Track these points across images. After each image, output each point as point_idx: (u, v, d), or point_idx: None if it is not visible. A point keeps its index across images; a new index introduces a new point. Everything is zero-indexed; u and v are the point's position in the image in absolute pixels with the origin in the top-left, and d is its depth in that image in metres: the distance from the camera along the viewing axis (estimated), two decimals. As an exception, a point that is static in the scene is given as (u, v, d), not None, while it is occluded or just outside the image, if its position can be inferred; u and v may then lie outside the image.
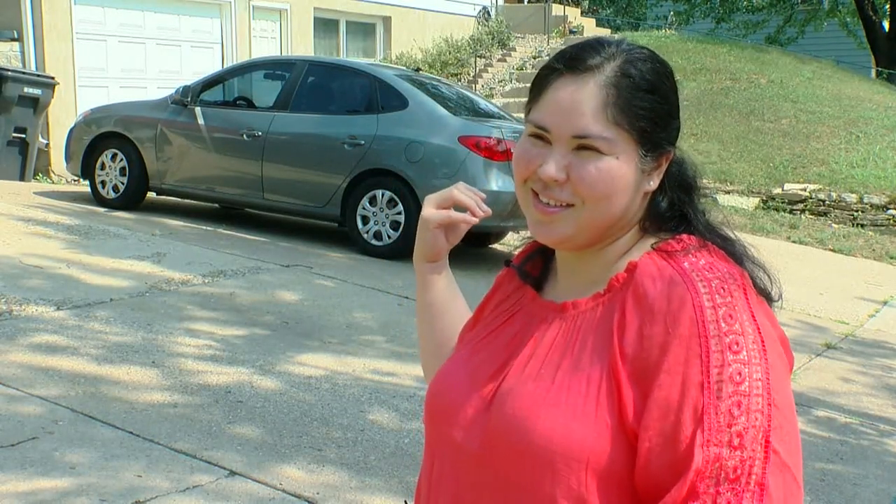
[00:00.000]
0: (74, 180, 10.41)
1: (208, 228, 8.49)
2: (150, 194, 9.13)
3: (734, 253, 1.17)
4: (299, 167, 8.26)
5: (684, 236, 1.17)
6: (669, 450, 1.04)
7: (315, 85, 8.62)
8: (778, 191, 12.80)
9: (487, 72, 16.58)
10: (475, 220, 1.33)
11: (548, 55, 13.06)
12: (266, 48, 13.47)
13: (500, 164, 7.48)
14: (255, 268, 7.04)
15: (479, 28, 17.29)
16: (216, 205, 9.33)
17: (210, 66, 12.05)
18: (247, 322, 5.74)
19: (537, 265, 1.31)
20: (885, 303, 8.35)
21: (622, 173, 1.14)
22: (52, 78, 10.36)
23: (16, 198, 8.88)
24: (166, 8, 12.27)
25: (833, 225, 12.03)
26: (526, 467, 1.11)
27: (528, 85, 1.22)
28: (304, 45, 13.98)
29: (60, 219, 8.07)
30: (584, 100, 1.13)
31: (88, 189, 9.26)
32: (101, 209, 8.86)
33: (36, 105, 10.15)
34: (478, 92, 14.14)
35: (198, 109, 8.71)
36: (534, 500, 1.11)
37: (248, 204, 8.84)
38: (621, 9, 29.94)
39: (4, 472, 3.55)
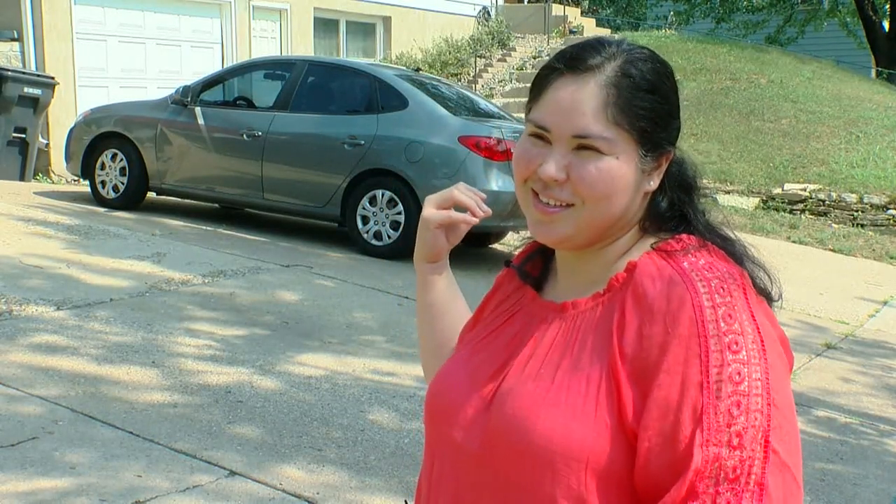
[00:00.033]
0: (74, 180, 10.41)
1: (208, 228, 8.49)
2: (150, 194, 9.13)
3: (734, 253, 1.17)
4: (299, 167, 8.27)
5: (684, 236, 1.17)
6: (669, 449, 1.04)
7: (315, 85, 8.62)
8: (778, 191, 12.80)
9: (487, 72, 16.58)
10: (475, 221, 1.33)
11: (548, 55, 13.07)
12: (266, 48, 13.47)
13: (500, 164, 7.48)
14: (255, 268, 7.04)
15: (479, 28, 17.30)
16: (216, 205, 9.33)
17: (210, 66, 12.05)
18: (247, 322, 5.74)
19: (537, 265, 1.32)
20: (885, 303, 8.35)
21: (622, 173, 1.14)
22: (52, 78, 10.36)
23: (16, 198, 8.88)
24: (166, 8, 12.27)
25: (833, 225, 12.03)
26: (526, 467, 1.11)
27: (528, 85, 1.22)
28: (304, 45, 13.99)
29: (60, 219, 8.07)
30: (585, 99, 1.13)
31: (88, 189, 9.26)
32: (101, 209, 8.86)
33: (36, 105, 10.15)
34: (478, 92, 14.14)
35: (198, 109, 8.71)
36: (534, 499, 1.11)
37: (248, 204, 8.84)
38: (621, 9, 29.94)
39: (4, 472, 3.55)
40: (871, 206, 12.39)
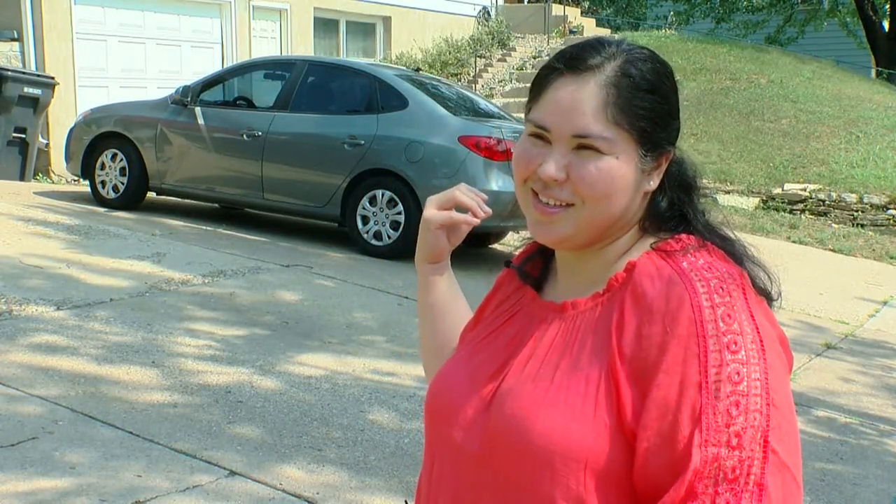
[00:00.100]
0: (74, 180, 10.41)
1: (208, 228, 8.49)
2: (150, 194, 9.13)
3: (733, 253, 1.17)
4: (299, 167, 8.27)
5: (683, 236, 1.17)
6: (667, 450, 1.04)
7: (315, 85, 8.62)
8: (778, 191, 12.80)
9: (487, 72, 16.58)
10: (476, 222, 1.33)
11: (548, 55, 13.06)
12: (266, 48, 13.47)
13: (500, 164, 7.48)
14: (255, 268, 7.04)
15: (479, 28, 17.30)
16: (216, 205, 9.33)
17: (210, 66, 12.05)
18: (247, 322, 5.74)
19: (537, 266, 1.32)
20: (885, 303, 8.35)
21: (622, 173, 1.14)
22: (52, 78, 10.36)
23: (16, 198, 8.88)
24: (166, 8, 12.27)
25: (833, 225, 12.03)
26: (525, 467, 1.11)
27: (528, 85, 1.22)
28: (304, 45, 13.99)
29: (60, 219, 8.07)
30: (585, 99, 1.13)
31: (88, 189, 9.26)
32: (101, 209, 8.86)
33: (36, 105, 10.15)
34: (478, 92, 14.14)
35: (198, 109, 8.71)
36: (533, 499, 1.11)
37: (248, 204, 8.84)
38: (621, 9, 29.95)
39: (4, 472, 3.55)
40: (871, 206, 12.39)
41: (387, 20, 15.71)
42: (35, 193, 9.40)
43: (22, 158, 10.28)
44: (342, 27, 15.28)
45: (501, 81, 16.45)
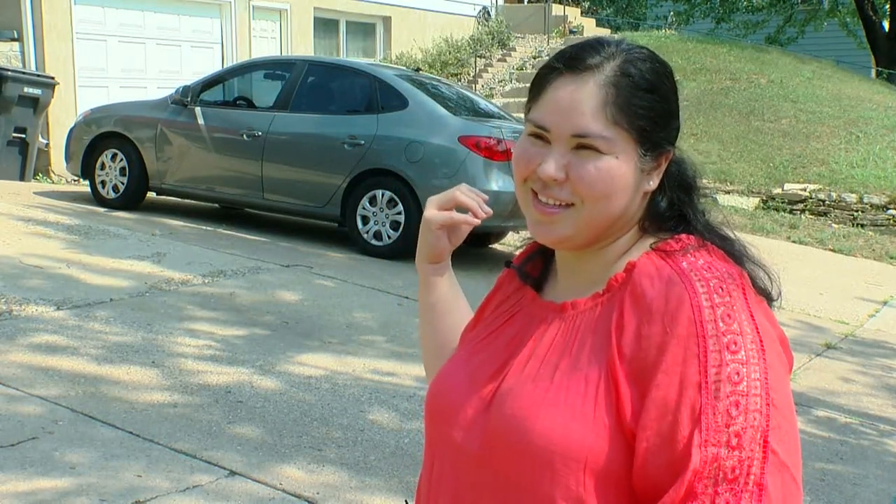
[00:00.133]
0: (74, 180, 10.41)
1: (208, 228, 8.49)
2: (150, 194, 9.13)
3: (733, 253, 1.17)
4: (299, 167, 8.27)
5: (683, 236, 1.17)
6: (667, 450, 1.04)
7: (315, 85, 8.62)
8: (778, 191, 12.80)
9: (487, 72, 16.58)
10: (477, 222, 1.33)
11: (548, 55, 13.06)
12: (266, 48, 13.47)
13: (500, 164, 7.48)
14: (255, 268, 7.04)
15: (479, 28, 17.30)
16: (216, 205, 9.33)
17: (210, 66, 12.05)
18: (247, 322, 5.74)
19: (537, 266, 1.32)
20: (885, 303, 8.35)
21: (621, 172, 1.14)
22: (52, 78, 10.36)
23: (16, 198, 8.88)
24: (166, 8, 12.27)
25: (833, 225, 12.03)
26: (525, 467, 1.11)
27: (528, 85, 1.22)
28: (304, 45, 13.99)
29: (60, 219, 8.07)
30: (584, 99, 1.13)
31: (88, 189, 9.27)
32: (101, 209, 8.86)
33: (36, 105, 10.15)
34: (478, 92, 14.14)
35: (198, 109, 8.71)
36: (533, 500, 1.11)
37: (248, 204, 8.84)
38: (621, 9, 29.95)
39: (4, 472, 3.55)
40: (871, 206, 12.39)
41: (387, 20, 15.71)
42: (35, 193, 9.40)
43: (22, 158, 10.28)
44: (342, 27, 15.28)
45: (501, 81, 16.45)
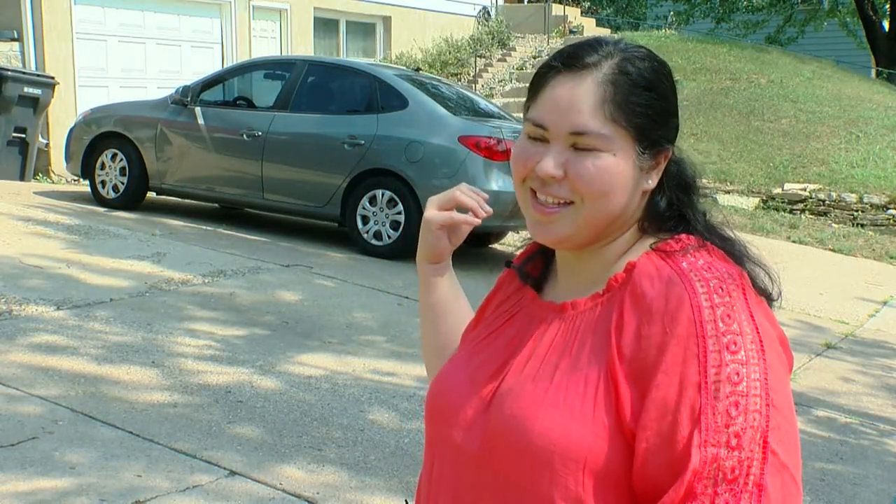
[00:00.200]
0: (74, 180, 10.41)
1: (208, 228, 8.49)
2: (150, 194, 9.13)
3: (733, 253, 1.17)
4: (299, 167, 8.27)
5: (683, 236, 1.17)
6: (667, 450, 1.04)
7: (315, 85, 8.62)
8: (778, 191, 12.80)
9: (487, 72, 16.58)
10: (477, 222, 1.33)
11: (547, 55, 13.03)
12: (266, 48, 13.47)
13: (500, 164, 7.48)
14: (255, 268, 7.04)
15: (479, 28, 17.29)
16: (216, 205, 9.33)
17: (210, 66, 12.05)
18: (247, 322, 5.74)
19: (538, 266, 1.32)
20: (885, 303, 8.35)
21: (620, 170, 1.14)
22: (52, 78, 10.36)
23: (16, 198, 8.88)
24: (166, 8, 12.27)
25: (833, 225, 12.03)
26: (525, 467, 1.11)
27: (528, 85, 1.22)
28: (304, 45, 13.98)
29: (60, 219, 8.07)
30: (582, 96, 1.13)
31: (88, 189, 9.26)
32: (101, 209, 8.86)
33: (36, 105, 10.15)
34: (478, 92, 14.13)
35: (198, 109, 8.71)
36: (533, 500, 1.11)
37: (248, 204, 8.84)
38: (621, 9, 29.95)
39: (4, 472, 3.55)
40: (871, 206, 12.39)
41: (387, 20, 15.71)
42: (35, 193, 9.40)
43: (22, 158, 10.28)
44: (342, 27, 15.28)
45: (501, 81, 16.45)
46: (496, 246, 9.00)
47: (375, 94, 8.17)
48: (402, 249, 7.67)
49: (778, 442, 1.04)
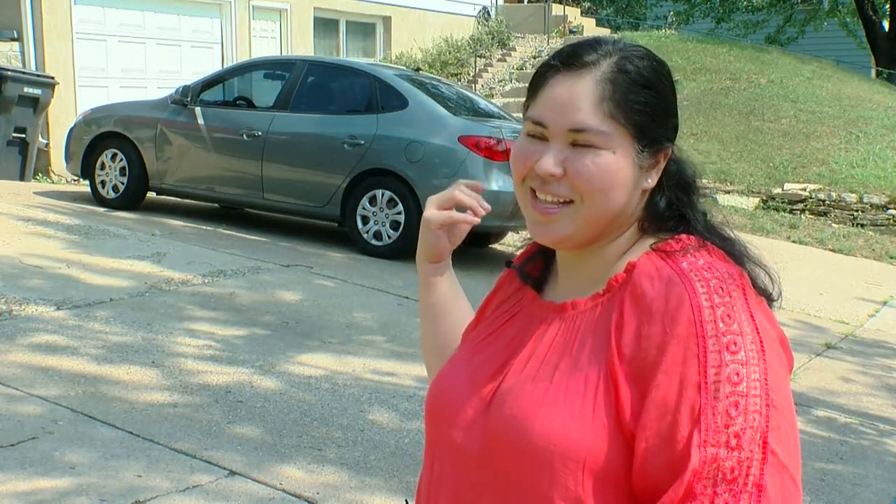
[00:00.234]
0: (74, 180, 10.41)
1: (208, 228, 8.49)
2: (150, 194, 9.13)
3: (734, 253, 1.17)
4: (299, 167, 8.27)
5: (683, 236, 1.17)
6: (666, 450, 1.04)
7: (315, 85, 8.62)
8: (778, 191, 12.80)
9: (487, 72, 16.58)
10: (477, 220, 1.34)
11: (547, 55, 13.02)
12: (266, 48, 13.47)
13: (500, 164, 7.48)
14: (255, 268, 7.04)
15: (479, 28, 17.29)
16: (216, 205, 9.33)
17: (210, 66, 12.05)
18: (247, 322, 5.74)
19: (538, 266, 1.32)
20: (885, 303, 8.35)
21: (619, 167, 1.14)
22: (52, 78, 10.36)
23: (16, 198, 8.88)
24: (166, 8, 12.27)
25: (833, 225, 12.03)
26: (525, 467, 1.11)
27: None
28: (304, 45, 13.98)
29: (60, 219, 8.07)
30: (581, 94, 1.13)
31: (88, 189, 9.26)
32: (101, 209, 8.86)
33: (36, 105, 10.15)
34: (478, 92, 14.13)
35: (198, 109, 8.71)
36: (533, 500, 1.11)
37: (248, 204, 8.84)
38: (621, 9, 29.96)
39: (4, 472, 3.55)
40: (871, 205, 12.39)
41: (387, 20, 15.71)
42: (35, 193, 9.40)
43: (22, 158, 10.28)
44: (342, 27, 15.28)
45: (501, 81, 16.45)
46: (496, 246, 9.00)
47: (375, 94, 8.17)
48: (402, 249, 7.67)
49: (778, 442, 1.04)
